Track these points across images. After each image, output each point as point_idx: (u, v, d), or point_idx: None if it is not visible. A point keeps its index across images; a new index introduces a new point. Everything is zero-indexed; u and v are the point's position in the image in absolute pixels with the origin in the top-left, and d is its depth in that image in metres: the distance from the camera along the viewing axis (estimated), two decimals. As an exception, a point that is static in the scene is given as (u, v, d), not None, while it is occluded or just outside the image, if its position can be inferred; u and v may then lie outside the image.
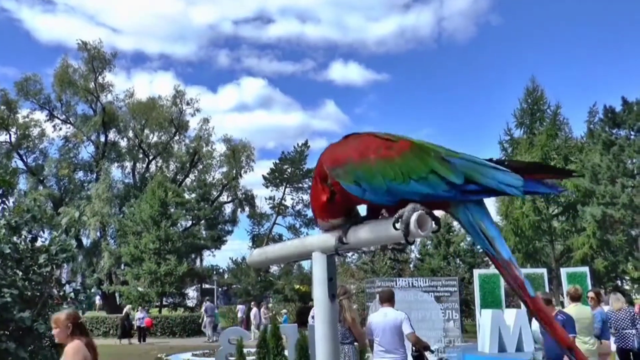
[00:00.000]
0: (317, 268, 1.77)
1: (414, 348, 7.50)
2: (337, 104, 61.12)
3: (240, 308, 29.42)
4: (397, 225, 1.57)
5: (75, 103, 38.39)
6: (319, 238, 1.82)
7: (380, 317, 6.87)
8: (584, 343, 7.69)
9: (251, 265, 2.22)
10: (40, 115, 37.99)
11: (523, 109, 28.92)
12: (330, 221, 1.83)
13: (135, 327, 25.13)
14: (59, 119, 38.29)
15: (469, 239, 32.19)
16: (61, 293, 7.63)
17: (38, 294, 6.71)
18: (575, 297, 8.07)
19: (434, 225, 1.60)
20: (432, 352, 10.30)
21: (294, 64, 74.10)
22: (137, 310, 26.47)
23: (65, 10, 58.97)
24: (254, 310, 26.15)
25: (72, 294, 7.71)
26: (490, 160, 1.74)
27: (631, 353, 8.99)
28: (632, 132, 24.90)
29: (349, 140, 1.82)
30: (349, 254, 32.72)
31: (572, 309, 7.93)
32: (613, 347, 9.08)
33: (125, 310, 26.28)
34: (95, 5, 60.24)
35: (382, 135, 1.77)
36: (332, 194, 1.80)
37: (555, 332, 1.69)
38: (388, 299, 7.07)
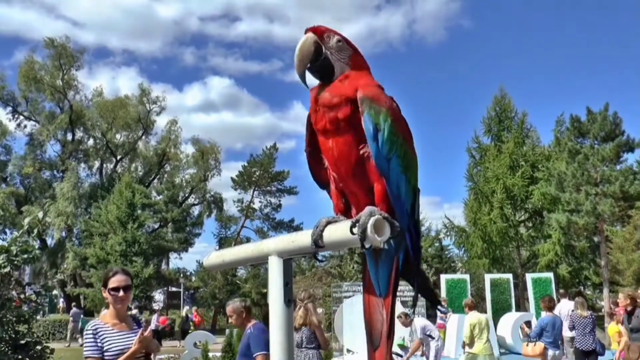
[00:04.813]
0: (273, 272, 1.74)
1: None
2: (305, 105, 60.59)
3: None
4: (354, 230, 1.54)
5: (42, 100, 37.68)
6: (275, 241, 1.79)
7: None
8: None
9: (208, 269, 2.17)
10: (2, 112, 37.26)
11: (491, 116, 29.32)
12: None
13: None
14: (23, 115, 37.54)
15: (436, 244, 32.52)
16: (22, 295, 7.42)
17: (-5, 296, 6.53)
18: (472, 307, 10.14)
19: (392, 231, 1.58)
20: (401, 356, 10.39)
21: (260, 63, 73.27)
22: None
23: (20, 0, 56.58)
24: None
25: (32, 296, 7.52)
26: None
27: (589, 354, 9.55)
28: (596, 142, 25.41)
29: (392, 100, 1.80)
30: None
31: (468, 316, 9.89)
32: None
33: (184, 311, 26.50)
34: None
35: None
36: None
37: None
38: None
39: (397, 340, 10.40)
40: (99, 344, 3.32)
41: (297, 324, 6.47)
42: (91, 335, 3.34)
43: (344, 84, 1.73)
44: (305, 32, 1.75)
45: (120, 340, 3.38)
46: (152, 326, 24.47)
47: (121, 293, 3.45)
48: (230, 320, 5.80)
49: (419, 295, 1.90)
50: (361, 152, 1.70)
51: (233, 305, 5.65)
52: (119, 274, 3.51)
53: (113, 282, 3.46)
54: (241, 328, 5.81)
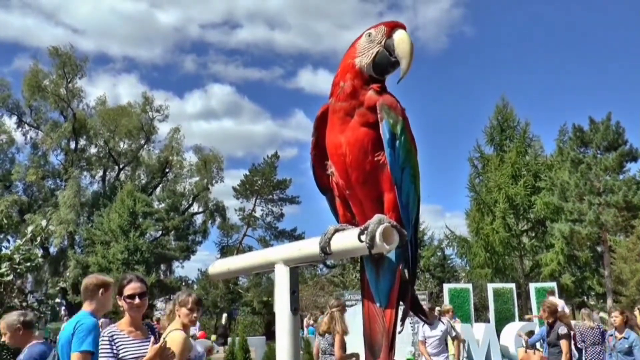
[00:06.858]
0: (280, 281, 1.73)
1: None
2: (306, 113, 60.12)
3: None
4: (362, 237, 1.53)
5: (46, 109, 37.78)
6: (282, 249, 1.78)
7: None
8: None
9: (212, 277, 2.16)
10: (8, 121, 37.36)
11: (493, 125, 29.26)
12: None
13: None
14: (28, 124, 37.63)
15: (439, 253, 32.44)
16: (24, 303, 7.42)
17: (-2, 303, 6.51)
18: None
19: (400, 239, 1.57)
20: None
21: (261, 70, 72.72)
22: None
23: (20, 6, 56.23)
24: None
25: (35, 304, 7.51)
26: None
27: None
28: (599, 151, 25.37)
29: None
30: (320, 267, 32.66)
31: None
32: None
33: (224, 318, 27.93)
34: (53, 3, 58.15)
35: None
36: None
37: None
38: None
39: (406, 354, 10.26)
40: (115, 351, 3.32)
41: (321, 330, 6.54)
42: (107, 342, 3.34)
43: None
44: (393, 26, 1.96)
45: (136, 347, 3.39)
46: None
47: (137, 300, 3.45)
48: (3, 339, 4.63)
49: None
50: (376, 159, 1.69)
51: (7, 319, 4.54)
52: (134, 282, 3.51)
53: (128, 290, 3.47)
54: (20, 347, 4.60)
